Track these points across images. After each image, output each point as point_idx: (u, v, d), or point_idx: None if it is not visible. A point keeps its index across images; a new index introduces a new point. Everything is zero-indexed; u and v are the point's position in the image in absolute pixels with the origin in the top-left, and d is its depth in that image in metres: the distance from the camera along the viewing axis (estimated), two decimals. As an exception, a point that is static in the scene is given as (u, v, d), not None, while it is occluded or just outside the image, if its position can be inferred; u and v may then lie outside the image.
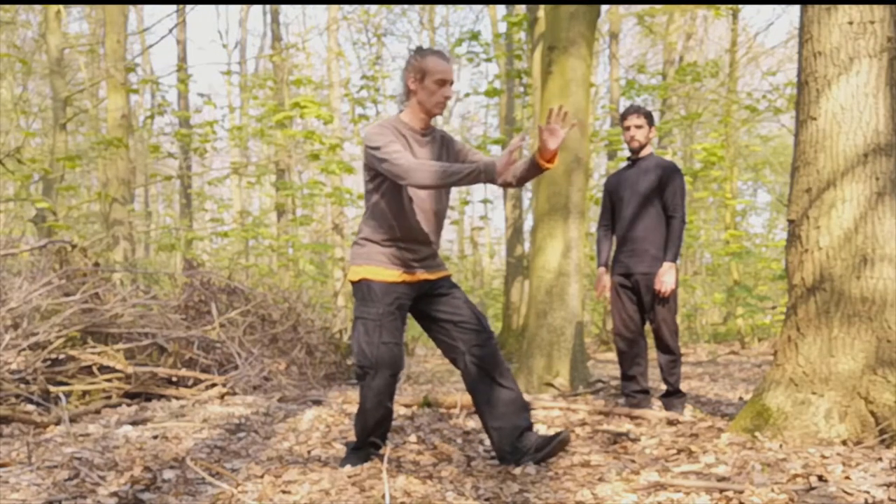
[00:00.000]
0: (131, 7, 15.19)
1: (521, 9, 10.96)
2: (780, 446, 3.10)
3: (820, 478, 2.55)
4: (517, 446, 3.09)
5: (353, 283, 3.12)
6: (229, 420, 4.24)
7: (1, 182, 15.64)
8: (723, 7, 11.38)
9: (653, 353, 4.67)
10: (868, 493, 2.36)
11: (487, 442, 3.68)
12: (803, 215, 3.41)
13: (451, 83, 3.02)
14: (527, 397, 4.66)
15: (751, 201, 20.26)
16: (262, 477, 2.92)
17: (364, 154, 3.05)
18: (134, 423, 4.09)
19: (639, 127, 4.47)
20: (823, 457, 2.88)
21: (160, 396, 5.13)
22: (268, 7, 16.51)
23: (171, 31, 11.03)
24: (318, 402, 5.00)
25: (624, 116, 4.53)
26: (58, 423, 4.05)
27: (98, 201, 11.01)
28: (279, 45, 15.52)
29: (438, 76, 2.98)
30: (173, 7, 13.36)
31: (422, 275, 3.14)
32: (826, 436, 3.13)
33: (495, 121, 19.72)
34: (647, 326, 4.56)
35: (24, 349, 4.70)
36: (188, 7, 14.31)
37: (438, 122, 17.74)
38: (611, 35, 15.16)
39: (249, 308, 6.32)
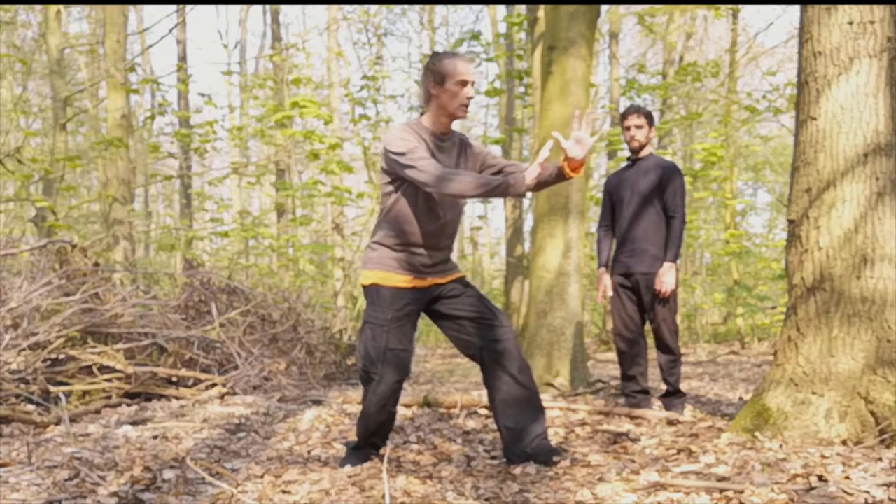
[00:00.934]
0: (131, 7, 15.20)
1: (521, 9, 10.96)
2: (780, 446, 3.10)
3: (820, 478, 2.55)
4: (526, 451, 3.08)
5: (363, 286, 3.11)
6: (229, 420, 4.24)
7: (1, 182, 15.64)
8: (723, 7, 11.37)
9: (653, 353, 4.67)
10: (868, 493, 2.36)
11: (487, 442, 3.68)
12: (803, 215, 3.41)
13: (473, 84, 3.00)
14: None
15: (751, 201, 20.26)
16: (262, 477, 2.92)
17: (384, 158, 3.03)
18: (134, 423, 4.09)
19: (639, 127, 4.47)
20: (823, 457, 2.88)
21: (160, 396, 5.13)
22: (268, 7, 16.51)
23: (171, 31, 11.03)
24: (318, 402, 5.00)
25: (624, 116, 4.53)
26: (58, 423, 4.05)
27: (98, 201, 11.01)
28: (279, 45, 15.52)
29: (459, 77, 2.96)
30: (173, 7, 13.36)
31: (433, 280, 3.13)
32: (826, 436, 3.13)
33: (495, 121, 19.73)
34: (647, 326, 4.56)
35: (24, 349, 4.70)
36: (188, 7, 14.31)
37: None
38: (611, 35, 15.16)
39: (249, 308, 6.32)
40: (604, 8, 10.36)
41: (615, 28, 15.15)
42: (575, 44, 6.05)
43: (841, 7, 3.33)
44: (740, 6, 12.18)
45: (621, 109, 7.28)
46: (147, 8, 21.96)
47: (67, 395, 4.59)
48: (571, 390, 5.62)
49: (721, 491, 2.48)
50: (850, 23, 3.32)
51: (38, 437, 3.75)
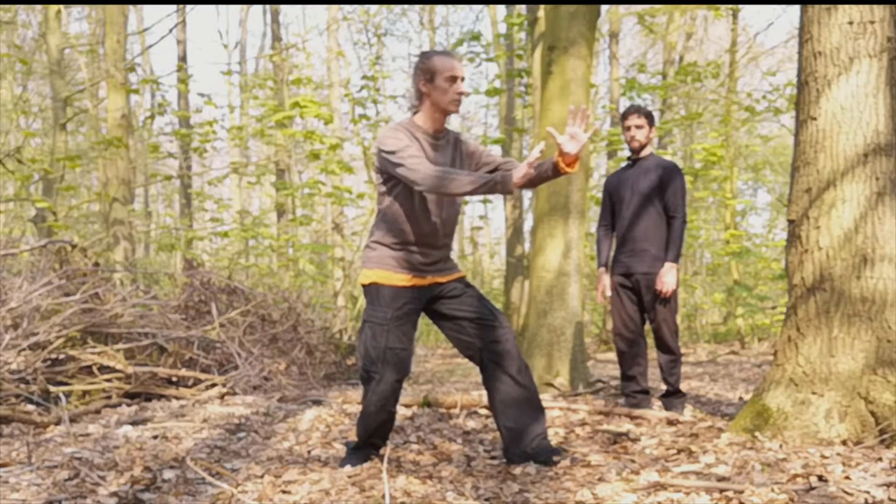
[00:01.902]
0: (131, 7, 15.20)
1: (521, 9, 10.96)
2: (780, 446, 3.10)
3: (820, 478, 2.55)
4: (526, 451, 3.08)
5: (363, 286, 3.11)
6: (229, 420, 4.24)
7: (1, 182, 15.64)
8: (723, 7, 11.37)
9: (653, 353, 4.67)
10: (868, 493, 2.36)
11: (487, 442, 3.68)
12: (803, 215, 3.41)
13: (463, 79, 3.01)
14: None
15: (751, 201, 20.26)
16: (262, 477, 2.92)
17: (377, 157, 3.04)
18: (134, 423, 4.09)
19: (639, 127, 4.47)
20: (823, 457, 2.88)
21: (160, 396, 5.13)
22: (268, 7, 16.52)
23: (171, 31, 11.03)
24: (318, 402, 5.00)
25: (624, 116, 4.53)
26: (58, 423, 4.05)
27: (98, 201, 11.01)
28: (279, 45, 15.52)
29: (448, 73, 2.97)
30: (173, 7, 13.36)
31: (433, 278, 3.13)
32: (826, 436, 3.13)
33: (495, 121, 19.73)
34: (647, 326, 4.56)
35: (24, 349, 4.70)
36: (188, 7, 14.31)
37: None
38: (611, 35, 15.16)
39: (249, 308, 6.32)
40: (604, 8, 10.36)
41: (615, 28, 15.15)
42: (575, 44, 6.05)
43: (841, 7, 3.33)
44: (740, 6, 12.18)
45: (621, 109, 7.28)
46: (147, 8, 21.96)
47: (67, 395, 4.59)
48: (571, 390, 5.62)
49: (721, 491, 2.48)
50: (850, 23, 3.32)
51: (38, 437, 3.75)
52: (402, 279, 3.06)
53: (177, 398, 5.08)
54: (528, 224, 12.85)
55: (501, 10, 14.91)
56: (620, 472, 2.87)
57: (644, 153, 4.52)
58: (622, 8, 14.41)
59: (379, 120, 13.45)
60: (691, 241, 12.90)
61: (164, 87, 13.85)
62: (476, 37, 12.12)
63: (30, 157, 11.37)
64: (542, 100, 6.32)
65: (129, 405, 4.78)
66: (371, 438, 3.18)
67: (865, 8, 3.31)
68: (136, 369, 4.97)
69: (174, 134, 13.37)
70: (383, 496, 2.58)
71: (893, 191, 3.29)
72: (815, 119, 3.38)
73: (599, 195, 7.49)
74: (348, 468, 3.05)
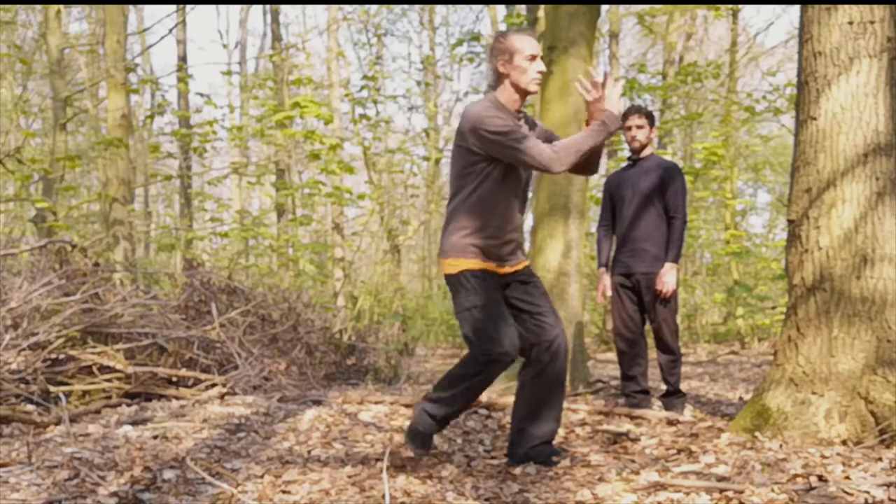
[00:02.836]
0: (131, 7, 15.19)
1: (521, 9, 10.95)
2: (780, 446, 3.10)
3: (820, 478, 2.55)
4: (529, 454, 3.08)
5: (450, 275, 3.03)
6: (229, 420, 4.24)
7: (1, 182, 15.63)
8: (723, 7, 11.37)
9: (653, 353, 4.67)
10: (868, 493, 2.36)
11: (487, 442, 3.68)
12: (803, 215, 3.41)
13: (540, 57, 2.98)
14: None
15: (751, 201, 20.23)
16: (262, 477, 2.92)
17: (473, 137, 2.93)
18: (134, 423, 4.09)
19: (640, 127, 4.47)
20: (823, 457, 2.88)
21: (160, 396, 5.12)
22: (268, 7, 16.51)
23: (171, 31, 11.04)
24: (318, 402, 4.99)
25: (625, 116, 4.53)
26: (58, 423, 4.04)
27: (98, 201, 11.00)
28: (279, 45, 15.51)
29: (528, 52, 2.94)
30: (173, 7, 13.36)
31: (511, 267, 3.12)
32: (826, 436, 3.13)
33: (495, 121, 19.66)
34: (647, 326, 4.56)
35: (24, 349, 4.69)
36: (188, 7, 14.31)
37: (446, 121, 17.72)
38: (611, 35, 15.15)
39: (249, 308, 6.32)
40: (604, 8, 10.36)
41: (615, 28, 15.15)
42: (575, 44, 6.05)
43: (841, 7, 3.33)
44: (740, 6, 12.17)
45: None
46: (147, 8, 21.95)
47: (67, 395, 4.59)
48: (571, 390, 5.62)
49: (721, 491, 2.48)
50: (850, 23, 3.32)
51: (38, 437, 3.74)
52: (487, 266, 3.03)
53: (177, 398, 5.08)
54: (528, 224, 12.85)
55: (501, 10, 14.92)
56: (620, 472, 2.87)
57: (644, 153, 4.52)
58: (622, 8, 14.42)
59: (379, 120, 13.44)
60: (691, 241, 12.89)
61: (164, 87, 13.84)
62: (476, 37, 12.11)
63: (30, 157, 11.37)
64: (542, 100, 6.32)
65: (129, 405, 4.78)
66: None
67: (865, 8, 3.31)
68: (136, 369, 4.96)
69: (174, 134, 13.36)
70: (383, 496, 2.58)
71: (893, 191, 3.28)
72: (815, 119, 3.38)
73: (599, 195, 7.49)
74: (405, 455, 3.05)
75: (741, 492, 2.43)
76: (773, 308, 11.26)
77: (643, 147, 4.50)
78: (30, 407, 4.32)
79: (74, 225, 12.83)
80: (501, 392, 4.98)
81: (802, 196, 3.43)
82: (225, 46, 21.74)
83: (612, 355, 9.77)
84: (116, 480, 2.81)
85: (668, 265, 4.34)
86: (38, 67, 15.40)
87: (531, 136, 2.93)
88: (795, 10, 16.17)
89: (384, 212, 13.96)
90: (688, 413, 4.39)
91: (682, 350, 5.04)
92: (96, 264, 5.98)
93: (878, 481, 2.47)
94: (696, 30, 16.56)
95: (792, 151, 3.64)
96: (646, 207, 4.42)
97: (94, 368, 4.96)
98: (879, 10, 3.32)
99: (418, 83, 17.27)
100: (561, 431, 3.92)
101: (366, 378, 6.71)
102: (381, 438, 3.77)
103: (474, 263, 2.99)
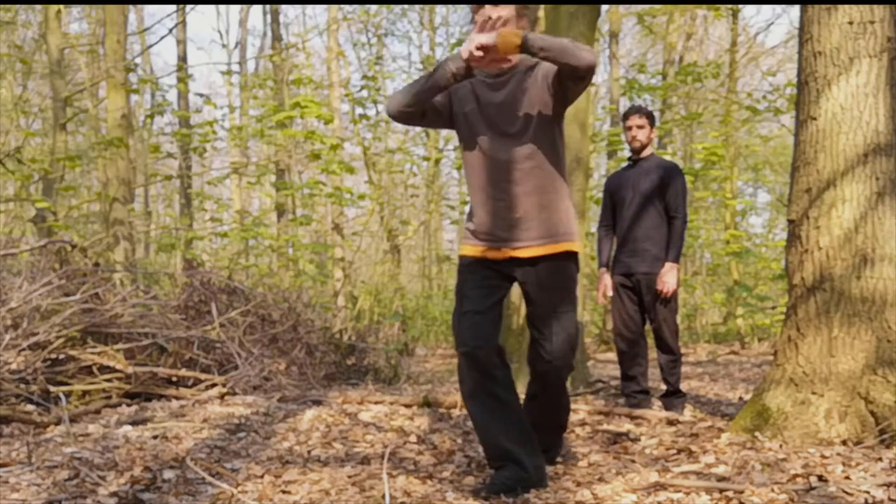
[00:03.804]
0: (131, 7, 15.19)
1: (521, 9, 10.92)
2: (780, 446, 3.10)
3: (820, 478, 2.55)
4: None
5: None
6: (229, 420, 4.24)
7: (1, 182, 15.63)
8: (723, 7, 11.37)
9: (653, 353, 4.67)
10: (868, 493, 2.36)
11: (487, 442, 3.67)
12: (803, 215, 3.41)
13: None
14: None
15: (751, 201, 20.23)
16: (262, 477, 2.92)
17: None
18: (134, 423, 4.09)
19: (640, 127, 4.47)
20: (823, 457, 2.88)
21: (160, 396, 5.12)
22: (268, 7, 16.52)
23: (171, 31, 11.04)
24: (318, 402, 4.99)
25: (626, 116, 4.53)
26: (58, 423, 4.04)
27: (98, 201, 11.01)
28: (279, 45, 15.52)
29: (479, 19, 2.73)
30: (173, 7, 13.36)
31: (511, 250, 2.73)
32: (826, 436, 3.13)
33: (495, 121, 19.65)
34: (648, 326, 4.57)
35: (24, 349, 4.69)
36: (188, 7, 14.31)
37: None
38: (611, 35, 15.14)
39: (249, 308, 6.32)
40: (604, 8, 10.35)
41: (615, 28, 15.13)
42: (575, 44, 6.04)
43: (841, 7, 3.33)
44: (740, 6, 12.17)
45: (621, 109, 7.28)
46: (147, 8, 21.94)
47: (67, 395, 4.59)
48: (572, 390, 5.62)
49: (721, 491, 2.48)
50: (850, 23, 3.32)
51: (38, 437, 3.74)
52: (478, 252, 2.78)
53: (177, 398, 5.08)
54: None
55: (501, 10, 14.85)
56: (620, 472, 2.87)
57: (645, 153, 4.52)
58: (622, 8, 14.41)
59: (379, 120, 13.44)
60: (691, 241, 12.89)
61: (164, 87, 13.84)
62: (476, 37, 12.08)
63: (30, 157, 11.37)
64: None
65: (129, 405, 4.78)
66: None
67: (865, 8, 3.31)
68: (136, 369, 4.96)
69: (174, 134, 13.37)
70: (383, 496, 2.58)
71: (893, 191, 3.29)
72: (815, 119, 3.38)
73: (599, 195, 7.49)
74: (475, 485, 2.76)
75: (741, 492, 2.43)
76: (773, 308, 11.26)
77: (643, 147, 4.50)
78: (30, 407, 4.32)
79: (74, 225, 12.83)
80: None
81: (802, 196, 3.43)
82: (225, 46, 21.76)
83: (612, 355, 9.77)
84: (116, 480, 2.81)
85: (668, 265, 4.34)
86: (38, 67, 15.40)
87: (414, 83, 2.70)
88: (795, 10, 16.18)
89: (384, 212, 13.96)
90: (688, 413, 4.40)
91: (682, 350, 5.04)
92: (96, 264, 5.98)
93: (878, 481, 2.47)
94: (696, 30, 16.56)
95: (792, 151, 3.64)
96: (646, 207, 4.42)
97: (94, 368, 4.96)
98: (879, 10, 3.32)
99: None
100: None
101: (366, 378, 6.71)
102: (381, 438, 3.77)
103: (467, 249, 2.81)
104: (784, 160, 18.62)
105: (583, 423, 4.12)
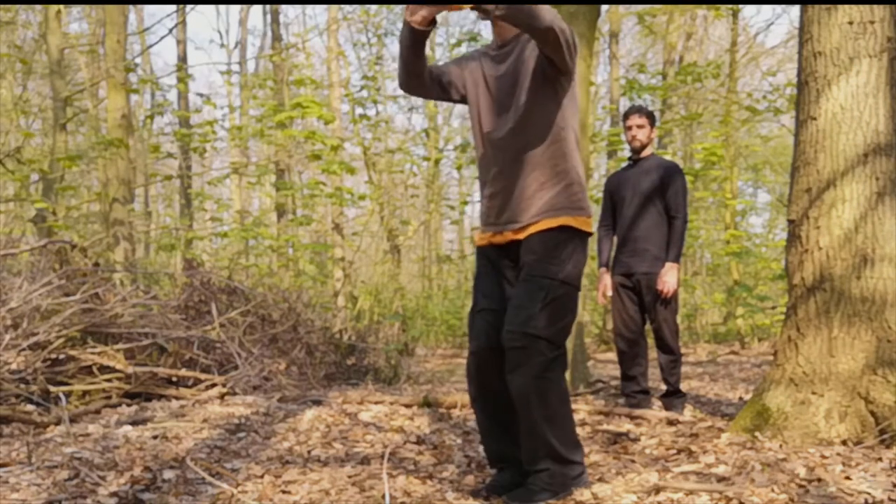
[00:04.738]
0: (131, 7, 15.20)
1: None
2: (780, 446, 3.10)
3: (820, 478, 2.55)
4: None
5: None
6: (229, 420, 4.24)
7: (1, 182, 15.63)
8: (723, 7, 11.37)
9: (653, 353, 4.67)
10: (868, 493, 2.36)
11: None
12: (803, 215, 3.41)
13: None
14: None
15: (751, 201, 20.23)
16: (262, 477, 2.92)
17: None
18: (134, 423, 4.09)
19: (640, 127, 4.47)
20: (823, 457, 2.88)
21: (160, 396, 5.12)
22: (268, 7, 16.52)
23: (171, 31, 11.04)
24: (318, 402, 4.99)
25: (626, 116, 4.54)
26: (58, 423, 4.04)
27: (98, 201, 11.01)
28: (279, 45, 15.52)
29: None
30: (173, 7, 13.37)
31: (509, 234, 2.59)
32: (826, 436, 3.13)
33: (495, 121, 19.62)
34: (648, 326, 4.57)
35: (24, 349, 4.69)
36: (188, 7, 14.31)
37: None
38: (611, 35, 15.15)
39: (249, 308, 6.32)
40: (604, 8, 10.35)
41: (615, 28, 15.14)
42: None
43: (841, 7, 3.33)
44: (740, 6, 12.17)
45: (621, 109, 7.28)
46: (147, 8, 21.94)
47: (67, 395, 4.59)
48: (572, 390, 5.62)
49: (721, 491, 2.47)
50: (850, 23, 3.32)
51: (38, 437, 3.74)
52: (484, 239, 2.66)
53: (177, 398, 5.08)
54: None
55: (501, 10, 14.85)
56: (620, 472, 2.87)
57: (645, 153, 4.52)
58: (622, 8, 14.41)
59: (379, 120, 13.44)
60: (691, 241, 12.90)
61: (164, 87, 13.84)
62: (475, 37, 12.11)
63: (30, 157, 11.37)
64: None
65: (129, 405, 4.78)
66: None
67: (865, 8, 3.31)
68: (136, 369, 4.96)
69: (174, 134, 13.37)
70: (383, 496, 2.58)
71: (893, 191, 3.29)
72: (815, 119, 3.38)
73: (600, 195, 7.50)
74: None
75: (741, 492, 2.43)
76: (773, 308, 11.27)
77: (644, 147, 4.50)
78: (30, 407, 4.32)
79: (74, 225, 12.83)
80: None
81: (802, 196, 3.43)
82: (225, 46, 21.76)
83: (612, 355, 9.77)
84: (116, 480, 2.81)
85: (668, 265, 4.34)
86: (38, 67, 15.40)
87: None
88: (795, 10, 16.18)
89: (384, 212, 13.96)
90: (688, 413, 4.40)
91: (682, 350, 5.04)
92: (96, 264, 5.98)
93: (878, 481, 2.47)
94: (696, 30, 16.57)
95: (792, 151, 3.64)
96: (646, 207, 4.42)
97: (94, 368, 4.96)
98: (879, 10, 3.32)
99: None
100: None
101: (366, 378, 6.71)
102: (381, 438, 3.77)
103: (478, 237, 2.69)
104: (784, 160, 18.62)
105: (583, 423, 4.12)
